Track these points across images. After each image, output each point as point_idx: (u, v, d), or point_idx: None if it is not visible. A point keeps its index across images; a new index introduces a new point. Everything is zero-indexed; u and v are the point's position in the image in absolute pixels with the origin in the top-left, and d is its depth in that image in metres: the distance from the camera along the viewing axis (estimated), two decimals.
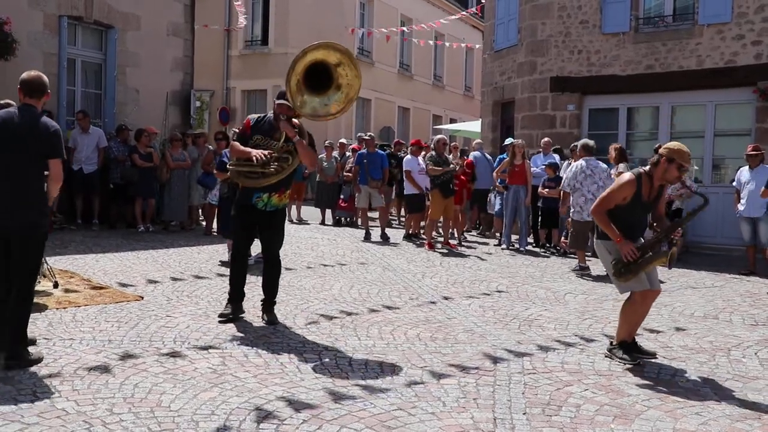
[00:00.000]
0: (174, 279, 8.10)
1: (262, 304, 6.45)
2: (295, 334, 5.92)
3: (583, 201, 10.03)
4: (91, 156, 12.30)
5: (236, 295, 6.42)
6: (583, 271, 9.89)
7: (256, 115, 6.39)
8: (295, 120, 6.16)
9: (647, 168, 5.40)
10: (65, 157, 5.05)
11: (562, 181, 10.55)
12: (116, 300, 6.87)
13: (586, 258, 10.05)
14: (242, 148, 6.09)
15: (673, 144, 5.41)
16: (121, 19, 13.52)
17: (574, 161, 11.20)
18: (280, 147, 6.08)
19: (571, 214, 10.26)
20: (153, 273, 8.44)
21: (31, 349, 4.95)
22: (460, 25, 26.79)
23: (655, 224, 5.58)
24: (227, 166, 6.51)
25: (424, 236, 12.63)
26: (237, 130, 6.53)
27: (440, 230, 13.13)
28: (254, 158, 5.92)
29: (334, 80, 5.97)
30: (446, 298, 7.75)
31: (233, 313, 6.31)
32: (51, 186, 4.91)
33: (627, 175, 5.41)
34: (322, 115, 6.09)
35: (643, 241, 5.48)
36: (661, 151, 5.33)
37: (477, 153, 14.07)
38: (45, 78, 5.05)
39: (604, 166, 10.43)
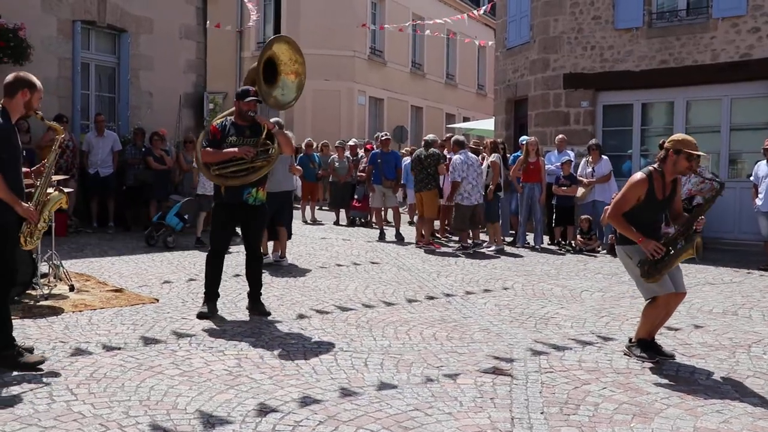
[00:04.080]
0: (189, 281, 8.12)
1: (249, 296, 6.71)
2: (310, 335, 5.91)
3: (470, 188, 11.36)
4: (107, 159, 12.39)
5: (213, 294, 6.57)
6: (465, 250, 11.29)
7: (218, 121, 6.64)
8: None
9: (656, 165, 5.34)
10: None
11: (450, 173, 11.60)
12: (132, 303, 6.89)
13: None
14: (225, 150, 6.34)
15: (677, 135, 5.40)
16: (133, 22, 13.57)
17: (590, 159, 11.69)
18: (260, 140, 6.40)
19: (459, 200, 11.37)
20: (168, 275, 8.46)
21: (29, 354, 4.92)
22: (472, 23, 26.74)
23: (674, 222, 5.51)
24: (208, 174, 6.55)
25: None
26: (204, 141, 6.57)
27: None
28: (244, 155, 6.28)
29: (281, 71, 6.61)
30: (462, 297, 7.71)
31: (210, 312, 6.43)
32: None
33: (638, 175, 5.33)
34: (283, 104, 6.80)
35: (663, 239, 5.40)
36: (666, 144, 5.30)
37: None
38: (20, 76, 4.92)
39: (476, 156, 11.92)
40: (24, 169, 5.13)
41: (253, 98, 6.38)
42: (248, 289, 6.76)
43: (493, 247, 11.60)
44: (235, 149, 6.30)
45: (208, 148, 6.39)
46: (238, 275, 8.11)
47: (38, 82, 4.99)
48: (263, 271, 7.10)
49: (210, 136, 6.45)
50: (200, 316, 6.37)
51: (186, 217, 10.92)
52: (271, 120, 9.43)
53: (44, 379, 4.58)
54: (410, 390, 4.57)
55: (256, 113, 6.46)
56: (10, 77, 4.93)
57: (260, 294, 6.74)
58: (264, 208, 6.67)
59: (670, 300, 5.35)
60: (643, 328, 5.45)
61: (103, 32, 13.40)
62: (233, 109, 6.59)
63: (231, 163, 6.32)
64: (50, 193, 5.36)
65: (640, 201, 5.27)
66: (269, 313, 6.58)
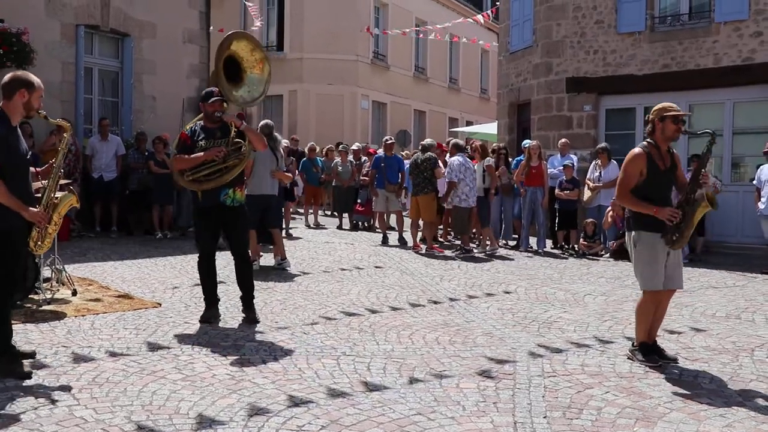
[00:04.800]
0: (193, 285, 8.12)
1: (241, 301, 6.62)
2: (313, 339, 5.90)
3: (468, 190, 11.42)
4: (111, 163, 12.41)
5: (213, 299, 6.55)
6: (466, 254, 11.31)
7: (188, 126, 6.61)
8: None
9: (648, 139, 5.44)
10: None
11: (448, 174, 11.56)
12: (134, 307, 6.89)
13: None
14: (194, 155, 6.29)
15: (658, 105, 5.53)
16: (136, 27, 13.60)
17: (599, 163, 11.59)
18: (231, 140, 6.33)
19: (457, 202, 11.43)
20: (171, 279, 8.47)
21: (27, 362, 4.88)
22: (475, 27, 26.78)
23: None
24: (183, 181, 6.50)
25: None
26: (174, 147, 6.60)
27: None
28: (215, 157, 6.22)
29: (245, 69, 6.51)
30: (464, 301, 7.71)
31: (213, 316, 6.43)
32: None
33: (635, 150, 5.42)
34: (250, 101, 6.76)
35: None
36: (650, 117, 5.45)
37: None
38: (16, 76, 4.82)
39: (470, 161, 11.90)
40: (31, 169, 5.09)
41: (218, 98, 6.34)
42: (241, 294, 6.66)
43: (486, 248, 11.73)
44: (201, 154, 6.23)
45: (180, 155, 6.36)
46: None
47: (37, 81, 4.87)
48: (259, 275, 7.04)
49: (180, 143, 6.42)
50: (203, 320, 6.37)
51: None
52: (261, 122, 9.52)
53: (46, 384, 4.58)
54: (413, 394, 4.56)
55: (222, 114, 6.39)
56: (6, 78, 4.84)
57: (253, 297, 6.64)
58: (243, 209, 6.56)
59: (658, 296, 5.40)
60: (640, 330, 5.45)
61: (106, 37, 13.42)
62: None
63: (204, 167, 6.26)
64: (58, 196, 5.33)
65: (645, 175, 5.31)
66: (258, 321, 6.45)
